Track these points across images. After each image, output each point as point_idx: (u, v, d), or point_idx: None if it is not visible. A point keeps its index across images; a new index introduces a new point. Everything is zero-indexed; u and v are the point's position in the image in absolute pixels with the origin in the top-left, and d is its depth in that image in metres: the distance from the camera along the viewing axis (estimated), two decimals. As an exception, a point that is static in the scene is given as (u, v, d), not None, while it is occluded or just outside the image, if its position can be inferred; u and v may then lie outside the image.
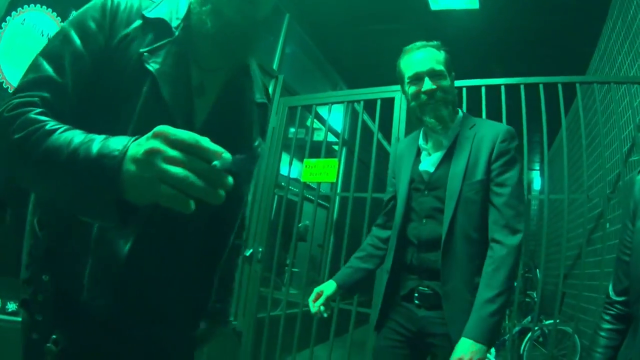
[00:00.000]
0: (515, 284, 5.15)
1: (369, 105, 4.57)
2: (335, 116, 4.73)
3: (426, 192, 2.39)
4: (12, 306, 2.76)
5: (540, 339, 5.79)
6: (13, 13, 2.86)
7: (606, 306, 1.76)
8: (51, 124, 1.13)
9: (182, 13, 1.43)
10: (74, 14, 1.38)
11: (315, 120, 5.02)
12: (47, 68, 1.26)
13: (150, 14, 1.39)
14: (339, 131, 5.51)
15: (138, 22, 1.37)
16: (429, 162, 2.42)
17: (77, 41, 1.30)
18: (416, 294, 2.31)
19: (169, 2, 1.45)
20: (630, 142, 4.60)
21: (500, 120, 3.70)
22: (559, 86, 3.87)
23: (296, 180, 5.28)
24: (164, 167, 0.89)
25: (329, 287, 2.59)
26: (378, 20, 5.80)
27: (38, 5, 2.98)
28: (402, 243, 2.41)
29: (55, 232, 1.32)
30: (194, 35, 1.42)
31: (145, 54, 1.34)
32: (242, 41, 1.40)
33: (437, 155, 2.41)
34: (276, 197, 4.94)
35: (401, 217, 2.42)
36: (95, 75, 1.31)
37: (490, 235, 2.21)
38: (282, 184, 5.04)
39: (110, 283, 1.29)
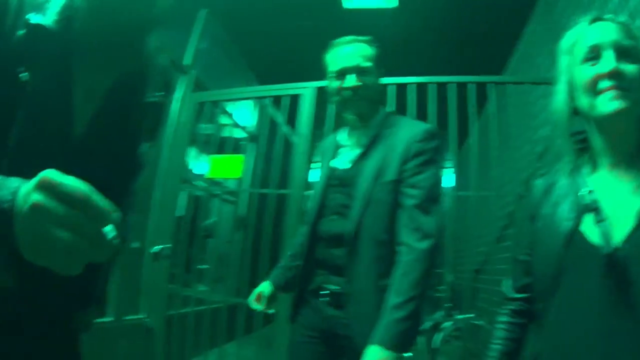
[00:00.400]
0: None
1: (279, 101, 4.61)
2: (245, 111, 4.74)
3: (338, 189, 2.36)
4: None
5: (455, 333, 5.94)
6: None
7: (504, 302, 1.79)
8: None
9: (67, 11, 1.19)
10: None
11: (227, 116, 5.02)
12: None
13: (34, 18, 1.14)
14: (248, 126, 5.53)
15: (21, 36, 1.13)
16: (345, 159, 2.40)
17: None
18: (323, 291, 2.28)
19: None
20: (545, 143, 4.78)
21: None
22: (473, 86, 3.99)
23: (202, 175, 5.25)
24: (51, 230, 0.78)
25: (265, 287, 2.61)
26: (292, 17, 5.83)
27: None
28: (314, 238, 2.38)
29: None
30: (78, 35, 1.21)
31: (22, 74, 1.11)
32: (129, 40, 1.25)
33: (354, 153, 2.38)
34: (181, 193, 4.91)
35: (315, 211, 2.40)
36: None
37: (399, 239, 2.13)
38: (190, 179, 5.02)
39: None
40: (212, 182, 4.73)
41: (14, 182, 0.86)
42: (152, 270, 4.58)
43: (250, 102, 4.88)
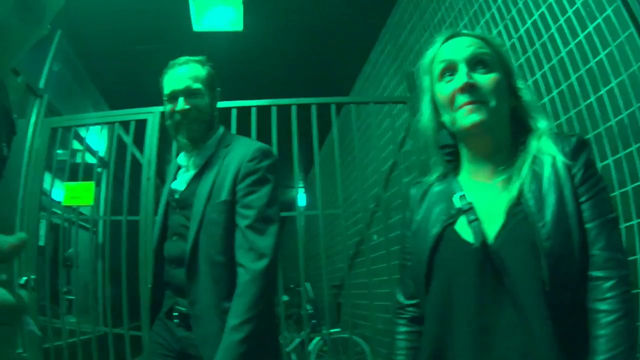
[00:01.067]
0: (287, 298, 5.41)
1: (126, 125, 4.60)
2: (97, 136, 4.66)
3: (177, 210, 2.36)
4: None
5: (325, 348, 6.08)
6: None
7: (398, 311, 1.80)
8: None
9: None
10: None
11: (77, 141, 4.90)
12: None
13: None
14: (100, 151, 5.40)
15: None
16: (182, 180, 2.41)
17: None
18: (174, 313, 2.26)
19: None
20: (392, 160, 5.03)
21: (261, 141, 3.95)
22: (315, 107, 4.15)
23: (58, 202, 5.07)
24: None
25: None
26: (142, 40, 5.76)
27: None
28: (159, 260, 2.39)
29: None
30: None
31: None
32: None
33: (189, 174, 2.39)
34: (44, 221, 4.72)
35: (158, 233, 2.42)
36: None
37: (236, 259, 2.15)
38: (49, 207, 4.82)
39: None
40: (69, 210, 4.57)
41: None
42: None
43: (103, 127, 4.79)
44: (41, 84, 5.12)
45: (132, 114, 4.60)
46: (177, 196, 2.38)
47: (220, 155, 2.35)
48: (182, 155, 2.49)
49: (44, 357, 4.31)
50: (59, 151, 5.04)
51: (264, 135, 4.00)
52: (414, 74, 4.10)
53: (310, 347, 5.92)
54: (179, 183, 2.41)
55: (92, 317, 4.55)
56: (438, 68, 1.61)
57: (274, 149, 4.04)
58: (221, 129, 2.51)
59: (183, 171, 2.45)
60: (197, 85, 2.35)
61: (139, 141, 4.58)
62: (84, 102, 6.64)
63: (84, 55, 6.14)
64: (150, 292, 2.42)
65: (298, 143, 4.22)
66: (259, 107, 4.24)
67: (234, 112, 4.23)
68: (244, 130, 4.01)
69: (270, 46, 5.99)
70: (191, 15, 5.17)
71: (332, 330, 4.89)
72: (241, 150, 2.32)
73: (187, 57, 2.41)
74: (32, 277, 4.35)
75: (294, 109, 4.22)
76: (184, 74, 2.35)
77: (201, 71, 2.39)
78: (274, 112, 4.22)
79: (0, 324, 0.72)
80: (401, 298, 1.79)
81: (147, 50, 5.84)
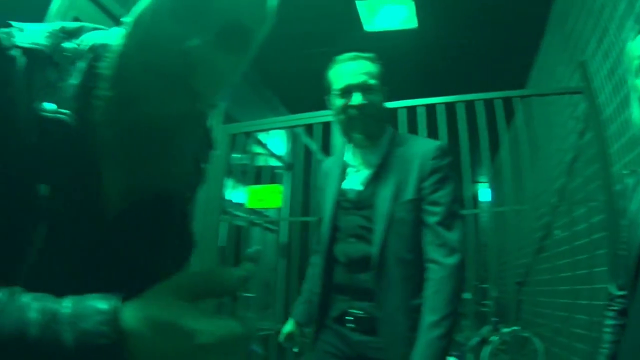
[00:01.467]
0: (470, 295, 5.28)
1: (310, 128, 4.65)
2: (278, 140, 4.78)
3: (353, 211, 2.31)
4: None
5: (502, 347, 5.90)
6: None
7: (609, 303, 1.76)
8: None
9: (87, 97, 0.89)
10: None
11: (257, 145, 5.08)
12: None
13: (48, 107, 0.84)
14: (281, 155, 5.55)
15: (33, 130, 0.83)
16: (356, 180, 2.34)
17: None
18: (348, 317, 2.23)
19: (70, 74, 0.90)
20: (574, 151, 4.77)
21: (444, 138, 3.86)
22: (499, 102, 3.99)
23: (241, 205, 5.30)
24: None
25: (292, 326, 2.58)
26: (314, 43, 5.84)
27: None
28: (330, 263, 2.33)
29: None
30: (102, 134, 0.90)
31: (41, 186, 0.82)
32: (164, 159, 0.95)
33: (366, 174, 2.33)
34: (222, 223, 4.96)
35: (328, 236, 2.34)
36: None
37: (426, 256, 2.13)
38: (229, 209, 5.06)
39: None
40: (252, 212, 4.75)
41: (86, 306, 0.66)
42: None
43: (282, 131, 4.90)
44: (216, 92, 5.39)
45: (317, 116, 4.64)
46: (352, 197, 2.33)
47: (397, 154, 2.31)
48: (347, 155, 2.45)
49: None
50: (236, 155, 5.27)
51: (435, 134, 3.96)
52: (586, 63, 3.85)
53: (488, 345, 5.72)
54: (352, 183, 2.36)
55: (270, 314, 4.72)
56: (635, 64, 1.51)
57: (465, 145, 3.99)
58: (390, 128, 2.45)
59: (352, 171, 2.39)
60: (373, 81, 2.29)
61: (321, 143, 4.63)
62: (260, 108, 6.92)
63: (257, 62, 6.38)
64: (320, 296, 2.34)
65: (471, 140, 4.08)
66: (446, 104, 4.14)
67: (420, 110, 4.16)
68: (413, 129, 4.00)
69: (442, 41, 5.83)
70: (360, 15, 5.18)
71: (510, 329, 4.65)
72: (420, 149, 2.30)
73: (356, 53, 2.35)
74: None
75: (479, 105, 4.07)
76: (358, 69, 2.30)
77: (374, 68, 2.33)
78: (460, 108, 4.10)
79: (231, 355, 0.67)
80: (613, 289, 1.77)
81: (321, 53, 5.92)
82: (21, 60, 0.83)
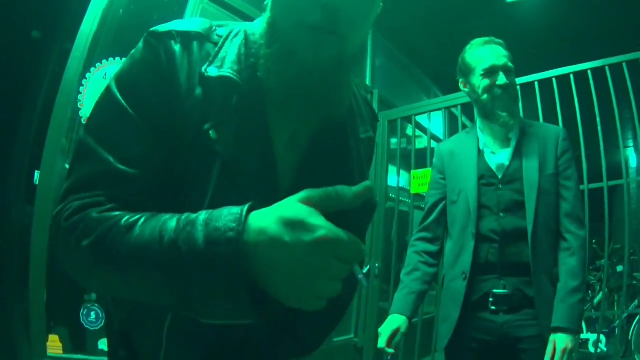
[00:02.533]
0: (622, 268, 4.97)
1: (466, 107, 4.55)
2: (434, 121, 4.72)
3: (501, 186, 2.35)
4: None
5: None
6: (92, 69, 2.93)
7: None
8: (125, 217, 0.90)
9: (250, 56, 1.10)
10: (121, 64, 1.11)
11: (419, 130, 5.07)
12: (107, 157, 1.00)
13: (210, 70, 1.06)
14: (439, 136, 5.48)
15: (199, 89, 1.06)
16: (499, 158, 2.40)
17: (136, 113, 1.03)
18: (491, 299, 2.24)
19: (233, 42, 1.13)
20: None
21: (591, 104, 3.76)
22: None
23: (403, 189, 5.29)
24: (331, 262, 0.77)
25: (402, 323, 2.36)
26: (456, 19, 5.74)
27: (117, 58, 3.03)
28: (477, 242, 2.31)
29: (126, 310, 1.12)
30: (266, 85, 1.07)
31: (210, 131, 1.04)
32: (326, 91, 1.07)
33: (508, 151, 2.40)
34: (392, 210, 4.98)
35: (476, 214, 2.33)
36: (164, 154, 1.04)
37: (563, 227, 2.29)
38: (392, 195, 5.08)
39: (193, 352, 1.08)
40: (416, 196, 4.72)
41: (231, 211, 0.81)
42: (363, 290, 4.69)
43: (439, 112, 4.84)
44: (367, 81, 5.43)
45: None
46: (500, 172, 2.38)
47: (531, 133, 2.41)
48: (469, 135, 2.55)
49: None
50: (393, 140, 5.28)
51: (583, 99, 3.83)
52: None
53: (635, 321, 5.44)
54: (497, 159, 2.40)
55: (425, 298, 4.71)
56: None
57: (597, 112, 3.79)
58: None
59: (489, 150, 2.43)
60: (511, 65, 2.37)
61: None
62: (415, 91, 6.88)
63: (403, 46, 6.37)
64: (463, 280, 2.28)
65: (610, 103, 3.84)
66: (592, 70, 3.90)
67: (572, 77, 3.96)
68: (568, 97, 3.86)
69: (580, 3, 5.46)
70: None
71: None
72: (551, 130, 2.46)
73: (490, 38, 2.42)
74: (377, 265, 4.65)
75: (624, 66, 3.81)
76: (500, 51, 2.37)
77: (508, 52, 2.39)
78: (607, 71, 3.86)
79: (342, 261, 0.77)
80: None
81: (465, 29, 5.80)
82: (177, 39, 1.08)
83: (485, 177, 2.38)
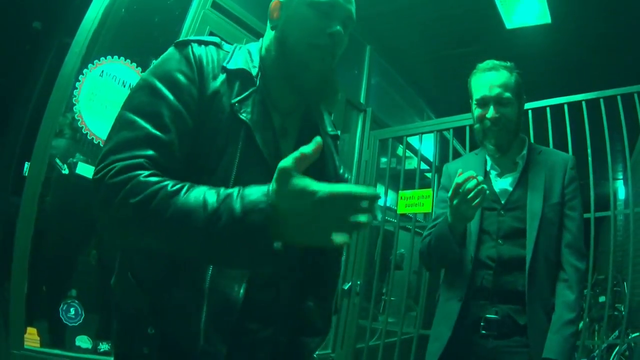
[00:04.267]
0: (604, 298, 5.03)
1: (458, 131, 4.59)
2: (425, 143, 4.76)
3: (502, 212, 2.35)
4: (104, 346, 2.86)
5: (627, 353, 5.63)
6: (90, 65, 2.92)
7: None
8: (170, 184, 1.11)
9: (256, 61, 1.49)
10: (154, 64, 1.41)
11: (409, 150, 5.09)
12: (145, 125, 1.23)
13: (230, 65, 1.42)
14: (429, 158, 5.51)
15: (223, 75, 1.39)
16: (504, 183, 2.40)
17: (170, 95, 1.29)
18: (482, 323, 2.24)
19: (241, 51, 1.50)
20: None
21: (583, 135, 3.78)
22: (635, 96, 3.76)
23: (389, 208, 5.30)
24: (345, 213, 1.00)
25: None
26: (456, 44, 5.76)
27: (115, 57, 3.04)
28: (475, 266, 2.31)
29: (160, 282, 1.29)
30: (271, 82, 1.48)
31: (236, 104, 1.36)
32: (322, 87, 1.47)
33: (513, 176, 2.40)
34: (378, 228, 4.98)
35: (476, 238, 2.33)
36: (193, 130, 1.31)
37: (564, 258, 2.26)
38: (378, 214, 5.09)
39: (227, 328, 1.28)
40: (402, 217, 4.74)
41: (260, 189, 1.05)
42: (342, 306, 4.70)
43: (430, 135, 4.88)
44: (362, 98, 5.46)
45: (466, 119, 4.50)
46: (504, 197, 2.38)
47: (539, 160, 2.41)
48: (479, 158, 2.55)
49: (355, 357, 4.61)
50: (383, 159, 5.30)
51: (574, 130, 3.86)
52: None
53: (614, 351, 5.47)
54: (501, 184, 2.41)
55: (412, 318, 4.71)
56: None
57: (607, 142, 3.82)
58: (524, 136, 2.52)
59: (494, 174, 2.45)
60: (507, 95, 2.33)
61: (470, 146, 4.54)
62: (408, 112, 6.91)
63: (400, 67, 6.40)
64: (463, 302, 2.30)
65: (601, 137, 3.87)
66: (586, 101, 3.95)
67: (566, 108, 4.00)
68: (560, 128, 3.89)
69: (579, 35, 5.47)
70: (501, 13, 5.03)
71: (636, 335, 4.38)
72: (559, 157, 2.45)
73: (494, 62, 2.40)
74: (358, 282, 4.66)
75: (619, 99, 3.85)
76: (494, 80, 2.34)
77: (510, 79, 2.36)
78: (601, 103, 3.90)
79: (340, 209, 1.00)
80: None
81: (464, 54, 5.82)
82: (200, 44, 1.43)
83: (488, 201, 2.34)
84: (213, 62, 1.40)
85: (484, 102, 2.34)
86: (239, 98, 1.37)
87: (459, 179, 2.11)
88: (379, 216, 4.87)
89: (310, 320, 1.55)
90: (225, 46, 1.49)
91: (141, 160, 1.17)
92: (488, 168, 2.46)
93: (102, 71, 2.99)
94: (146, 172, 1.14)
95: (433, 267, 2.70)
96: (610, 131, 3.79)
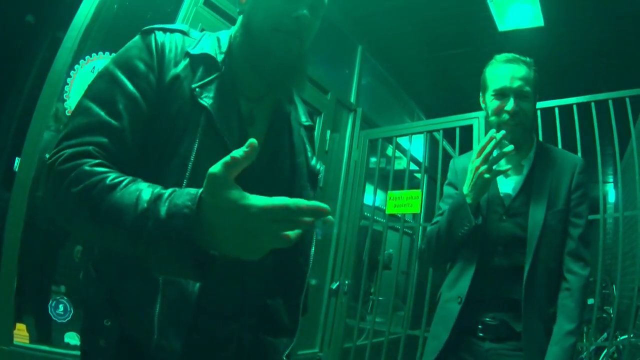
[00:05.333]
0: (592, 301, 5.09)
1: (448, 132, 4.60)
2: (415, 144, 4.77)
3: (504, 218, 2.28)
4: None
5: (615, 355, 5.66)
6: (81, 61, 2.90)
7: None
8: (111, 177, 1.10)
9: (224, 47, 1.48)
10: (118, 52, 1.40)
11: (399, 151, 5.10)
12: (99, 111, 1.23)
13: (194, 50, 1.41)
14: (419, 159, 5.53)
15: (185, 61, 1.39)
16: (508, 186, 2.33)
17: (127, 82, 1.30)
18: (480, 326, 2.22)
19: (209, 37, 1.50)
20: None
21: (574, 139, 3.80)
22: (627, 100, 3.81)
23: (378, 208, 5.31)
24: (273, 226, 0.96)
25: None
26: (448, 45, 5.78)
27: (107, 53, 3.01)
28: (477, 270, 2.25)
29: (118, 274, 1.29)
30: (238, 68, 1.47)
31: (197, 89, 1.35)
32: (287, 73, 1.45)
33: (517, 180, 2.32)
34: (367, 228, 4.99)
35: (480, 241, 2.26)
36: (149, 117, 1.31)
37: (566, 266, 2.21)
38: (367, 214, 5.10)
39: (182, 323, 1.26)
40: (390, 217, 4.75)
41: (190, 193, 1.02)
42: (330, 305, 4.71)
43: (420, 135, 4.88)
44: (352, 98, 5.46)
45: (456, 120, 4.61)
46: (506, 202, 2.31)
47: (544, 163, 2.33)
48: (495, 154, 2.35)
49: (343, 357, 4.63)
50: (372, 159, 5.31)
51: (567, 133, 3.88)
52: None
53: (603, 354, 5.52)
54: (505, 188, 2.34)
55: (399, 318, 4.72)
56: None
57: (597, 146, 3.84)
58: (534, 137, 2.44)
59: (501, 176, 2.33)
60: (528, 89, 2.26)
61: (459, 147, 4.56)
62: (399, 112, 6.92)
63: (391, 67, 6.40)
64: (463, 304, 2.25)
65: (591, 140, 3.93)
66: (577, 105, 4.01)
67: (556, 111, 4.05)
68: (549, 130, 3.93)
69: (571, 38, 5.53)
70: (493, 15, 5.05)
71: (624, 337, 4.42)
72: (568, 161, 2.36)
73: (516, 55, 2.32)
74: (347, 282, 4.67)
75: (610, 103, 3.89)
76: (516, 72, 2.27)
77: (530, 74, 2.29)
78: (592, 107, 3.95)
79: (277, 221, 0.97)
80: None
81: (455, 55, 5.84)
82: (165, 31, 1.42)
83: (492, 203, 2.32)
84: (176, 49, 1.40)
85: (503, 94, 2.26)
86: (200, 83, 1.37)
87: (481, 143, 2.13)
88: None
89: (277, 318, 1.51)
90: (193, 33, 1.49)
91: (89, 147, 1.17)
92: (494, 166, 2.31)
93: (94, 67, 2.96)
94: (93, 161, 1.14)
95: (439, 259, 2.54)
96: (601, 135, 3.82)
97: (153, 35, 1.38)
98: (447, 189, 2.54)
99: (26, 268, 2.61)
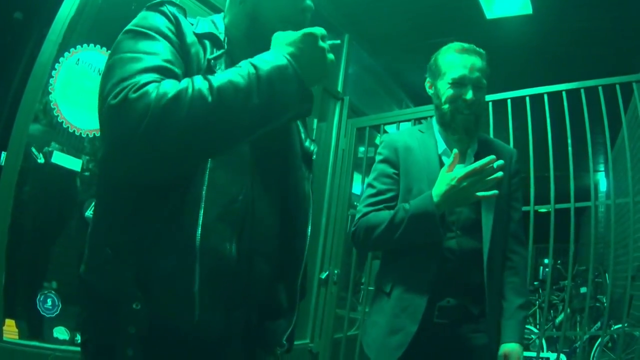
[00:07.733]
0: (585, 289, 5.10)
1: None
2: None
3: None
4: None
5: (609, 344, 5.71)
6: (66, 54, 2.89)
7: None
8: (197, 79, 1.13)
9: (222, 30, 1.48)
10: (129, 25, 1.33)
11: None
12: (152, 57, 1.21)
13: (198, 30, 1.42)
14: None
15: (194, 38, 1.38)
16: (459, 170, 2.19)
17: (160, 38, 1.27)
18: (437, 312, 2.17)
19: (204, 20, 1.49)
20: None
21: (564, 125, 3.81)
22: (617, 87, 3.78)
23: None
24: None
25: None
26: (435, 33, 5.73)
27: (92, 45, 3.00)
28: (440, 258, 2.20)
29: (145, 250, 1.17)
30: (238, 51, 1.45)
31: (212, 61, 1.36)
32: None
33: (465, 166, 2.21)
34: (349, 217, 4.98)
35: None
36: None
37: (509, 247, 2.35)
38: (355, 203, 5.10)
39: (223, 294, 1.23)
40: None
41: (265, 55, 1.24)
42: (320, 295, 4.73)
43: (408, 123, 4.87)
44: (339, 87, 5.45)
45: None
46: None
47: (486, 150, 2.30)
48: (428, 134, 2.41)
49: (333, 347, 4.65)
50: (361, 148, 5.31)
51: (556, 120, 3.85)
52: None
53: (597, 343, 5.57)
54: (454, 173, 2.15)
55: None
56: None
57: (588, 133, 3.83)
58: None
59: (446, 158, 2.27)
60: (484, 81, 2.28)
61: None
62: (387, 101, 6.92)
63: (378, 56, 6.39)
64: (429, 293, 2.17)
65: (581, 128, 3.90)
66: (566, 91, 3.94)
67: (545, 97, 4.01)
68: (538, 117, 3.92)
69: (560, 26, 5.51)
70: (481, 3, 5.05)
71: (618, 327, 4.47)
72: (506, 150, 2.50)
73: (473, 46, 2.32)
74: (336, 271, 4.67)
75: (600, 90, 3.87)
76: (475, 63, 2.26)
77: (485, 66, 2.30)
78: (582, 94, 3.89)
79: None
80: None
81: (442, 43, 5.81)
82: (173, 6, 1.38)
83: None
84: (185, 22, 1.39)
85: (462, 83, 2.24)
86: (213, 55, 1.39)
87: (481, 162, 2.02)
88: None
89: (276, 300, 1.45)
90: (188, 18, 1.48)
91: (157, 76, 1.15)
92: (440, 152, 2.35)
93: (79, 59, 2.95)
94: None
95: (379, 249, 2.65)
96: (592, 123, 3.82)
97: (166, 6, 1.37)
98: (384, 167, 2.41)
99: (14, 263, 2.60)
